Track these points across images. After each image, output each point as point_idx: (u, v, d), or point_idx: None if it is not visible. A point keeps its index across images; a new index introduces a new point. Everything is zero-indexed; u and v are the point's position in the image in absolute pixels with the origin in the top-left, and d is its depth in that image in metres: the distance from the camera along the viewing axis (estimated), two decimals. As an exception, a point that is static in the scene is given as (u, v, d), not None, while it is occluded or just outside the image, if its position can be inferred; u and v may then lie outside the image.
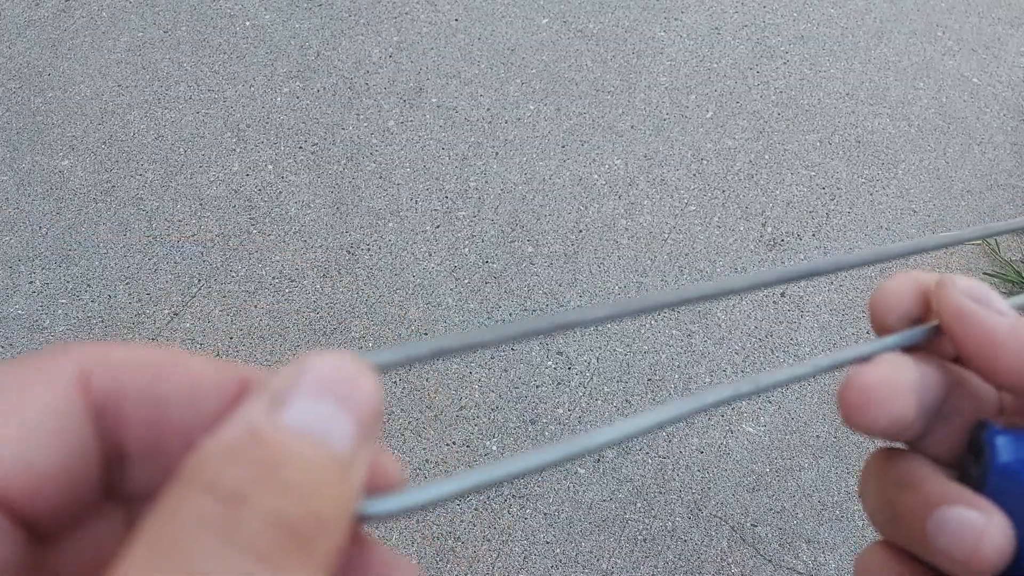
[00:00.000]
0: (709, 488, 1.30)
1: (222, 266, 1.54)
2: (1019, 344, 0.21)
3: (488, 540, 1.23)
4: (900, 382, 0.22)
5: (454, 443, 1.32)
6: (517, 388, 1.39)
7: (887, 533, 0.23)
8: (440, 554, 1.21)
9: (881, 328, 0.24)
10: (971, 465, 0.22)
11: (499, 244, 1.59)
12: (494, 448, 1.32)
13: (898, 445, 0.24)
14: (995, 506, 0.21)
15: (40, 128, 1.76)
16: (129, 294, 1.49)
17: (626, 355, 1.44)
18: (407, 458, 1.29)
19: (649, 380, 1.41)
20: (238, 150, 1.73)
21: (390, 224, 1.61)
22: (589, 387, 1.40)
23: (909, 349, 0.23)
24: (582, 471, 1.31)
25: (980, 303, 0.22)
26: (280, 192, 1.66)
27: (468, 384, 1.39)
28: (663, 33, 2.03)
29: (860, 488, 0.25)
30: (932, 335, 0.23)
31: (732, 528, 1.26)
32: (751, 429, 1.37)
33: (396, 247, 1.57)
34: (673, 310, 1.50)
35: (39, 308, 1.46)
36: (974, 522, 0.20)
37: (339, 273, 1.53)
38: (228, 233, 1.59)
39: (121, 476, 0.18)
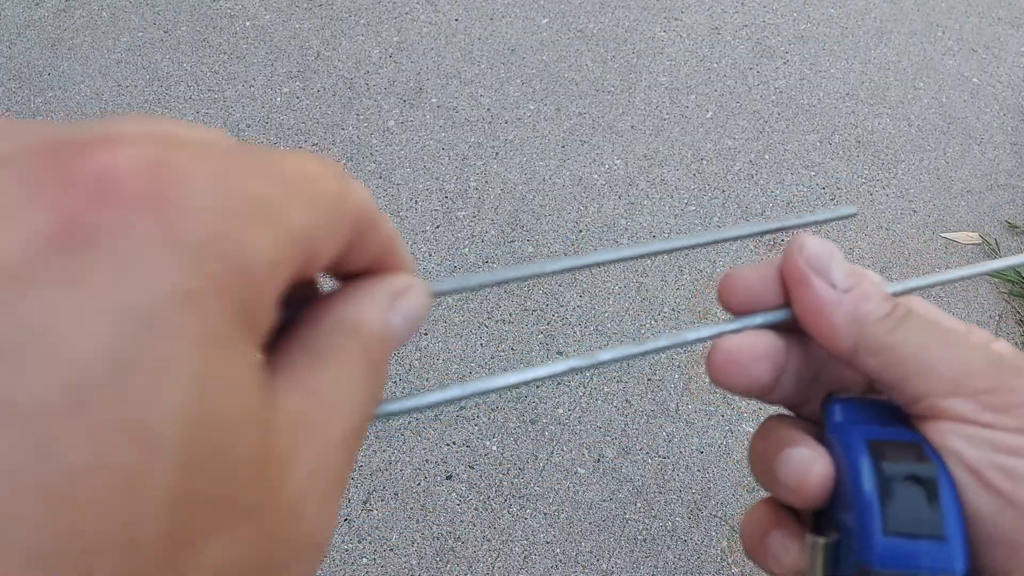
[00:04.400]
0: (709, 488, 1.30)
1: (222, 266, 1.54)
2: (840, 315, 0.25)
3: (488, 540, 1.23)
4: (757, 348, 0.27)
5: (454, 443, 1.32)
6: (517, 388, 1.39)
7: (757, 479, 0.28)
8: (440, 554, 1.21)
9: (727, 307, 0.28)
10: (823, 428, 0.27)
11: (499, 244, 1.59)
12: (494, 448, 1.32)
13: (786, 412, 0.30)
14: (822, 448, 0.25)
15: (40, 128, 1.76)
16: (129, 294, 1.49)
17: (626, 355, 1.44)
18: (407, 458, 1.29)
19: (649, 380, 1.41)
20: (238, 150, 1.73)
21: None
22: (589, 387, 1.40)
23: (781, 329, 0.27)
24: (582, 471, 1.31)
25: (819, 272, 0.25)
26: (280, 192, 1.66)
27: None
28: (663, 33, 2.03)
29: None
30: (790, 318, 0.27)
31: (732, 528, 1.26)
32: (751, 429, 1.37)
33: (396, 247, 1.57)
34: (673, 310, 1.50)
35: (39, 308, 1.46)
36: (805, 457, 0.25)
37: (339, 273, 1.53)
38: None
39: None
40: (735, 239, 0.28)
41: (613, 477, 1.30)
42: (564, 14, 2.04)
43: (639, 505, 1.27)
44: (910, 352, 0.24)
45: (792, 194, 1.71)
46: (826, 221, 0.29)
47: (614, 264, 0.27)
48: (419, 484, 1.27)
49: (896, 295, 0.27)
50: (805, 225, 0.28)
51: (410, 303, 0.21)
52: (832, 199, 1.71)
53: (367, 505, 1.25)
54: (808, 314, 0.26)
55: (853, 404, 0.26)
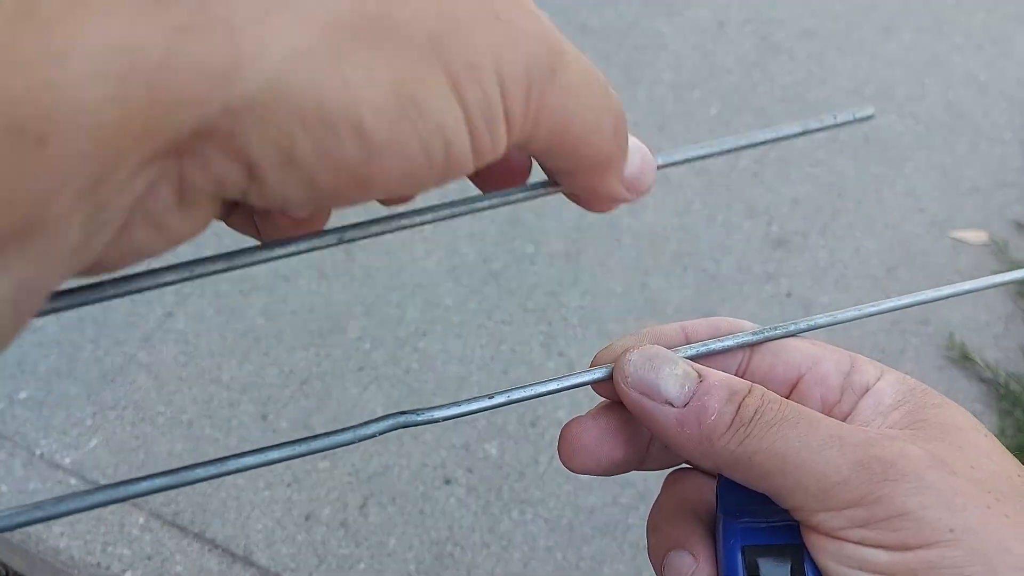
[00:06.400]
0: (713, 493, 1.27)
1: (217, 265, 1.51)
2: (687, 439, 0.24)
3: (487, 545, 1.21)
4: (606, 428, 0.28)
5: (453, 446, 1.29)
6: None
7: (653, 567, 0.28)
8: (439, 559, 1.19)
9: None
10: (716, 505, 0.27)
11: (499, 243, 1.56)
12: (494, 452, 1.29)
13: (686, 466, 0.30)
14: (707, 551, 0.26)
15: (32, 124, 1.73)
16: (122, 293, 1.46)
17: (629, 356, 1.41)
18: (404, 462, 1.27)
19: (652, 382, 1.38)
20: (233, 146, 1.71)
21: (388, 222, 1.59)
22: (591, 389, 1.37)
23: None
24: (583, 475, 1.28)
25: (650, 394, 0.25)
26: (276, 189, 1.63)
27: (467, 386, 1.36)
28: (666, 28, 2.00)
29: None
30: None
31: (737, 534, 1.24)
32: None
33: (394, 246, 1.55)
34: (677, 310, 1.47)
35: (30, 307, 1.43)
36: (685, 565, 0.26)
37: (335, 272, 1.50)
38: (222, 232, 1.56)
39: None
40: (764, 143, 0.27)
41: (615, 481, 1.27)
42: (565, 9, 2.01)
43: (642, 510, 1.25)
44: (771, 464, 0.23)
45: (798, 192, 1.68)
46: (845, 124, 0.27)
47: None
48: (417, 488, 1.25)
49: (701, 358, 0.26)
50: (825, 128, 0.27)
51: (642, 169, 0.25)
52: (839, 197, 1.68)
53: (364, 510, 1.23)
54: (659, 438, 0.25)
55: (739, 488, 0.25)
